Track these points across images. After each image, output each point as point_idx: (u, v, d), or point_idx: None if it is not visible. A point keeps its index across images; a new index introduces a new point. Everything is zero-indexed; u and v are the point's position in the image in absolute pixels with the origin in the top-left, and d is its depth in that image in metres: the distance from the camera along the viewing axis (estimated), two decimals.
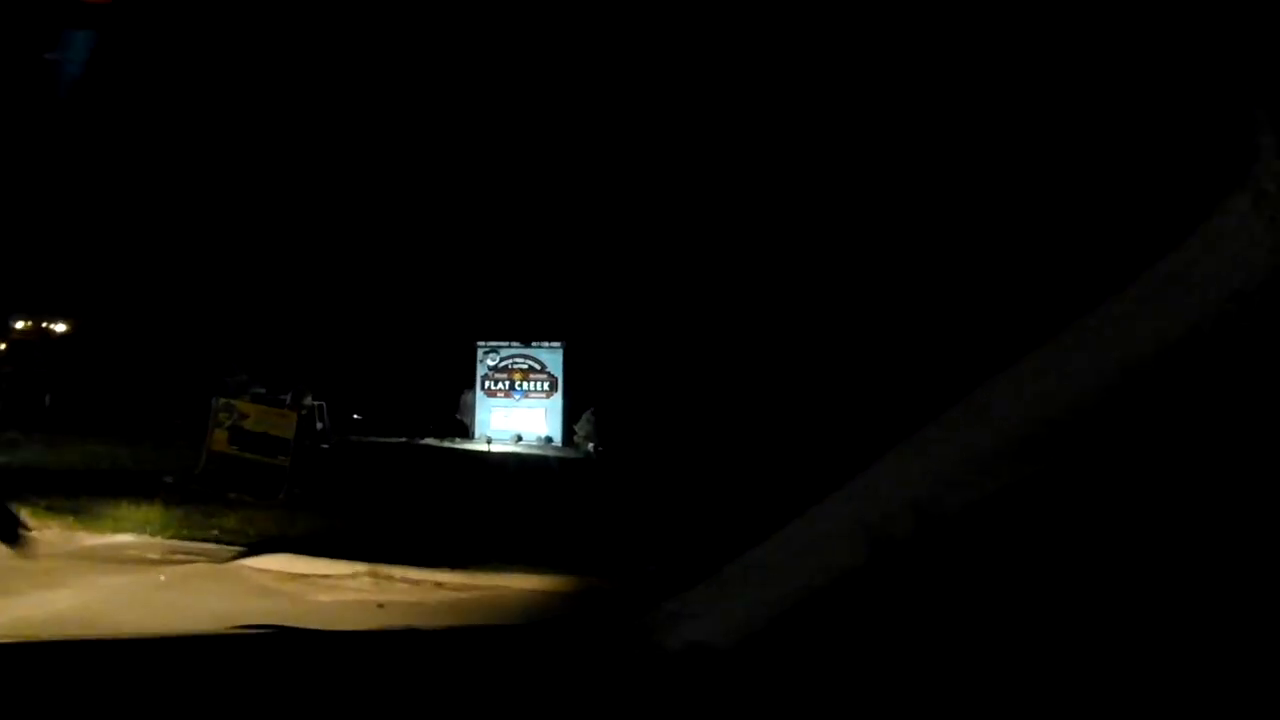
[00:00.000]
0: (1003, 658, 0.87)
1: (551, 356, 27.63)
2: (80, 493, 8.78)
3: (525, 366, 27.64)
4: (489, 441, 25.31)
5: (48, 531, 6.94)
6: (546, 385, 27.59)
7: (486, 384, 27.71)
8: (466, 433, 27.50)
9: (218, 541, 7.30)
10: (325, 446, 20.33)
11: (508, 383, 27.67)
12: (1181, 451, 0.81)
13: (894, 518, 0.89)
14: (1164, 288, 0.84)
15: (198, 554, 6.24)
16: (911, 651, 0.90)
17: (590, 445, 26.15)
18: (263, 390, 26.81)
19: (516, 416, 27.26)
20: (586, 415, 26.31)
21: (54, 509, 7.81)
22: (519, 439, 26.41)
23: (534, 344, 27.71)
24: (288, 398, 24.53)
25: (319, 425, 24.50)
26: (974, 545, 0.85)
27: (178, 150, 24.75)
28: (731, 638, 1.02)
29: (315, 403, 24.23)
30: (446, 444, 26.26)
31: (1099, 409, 0.83)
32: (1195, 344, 0.80)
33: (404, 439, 25.51)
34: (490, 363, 27.75)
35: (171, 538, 7.26)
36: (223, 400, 11.71)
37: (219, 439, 11.46)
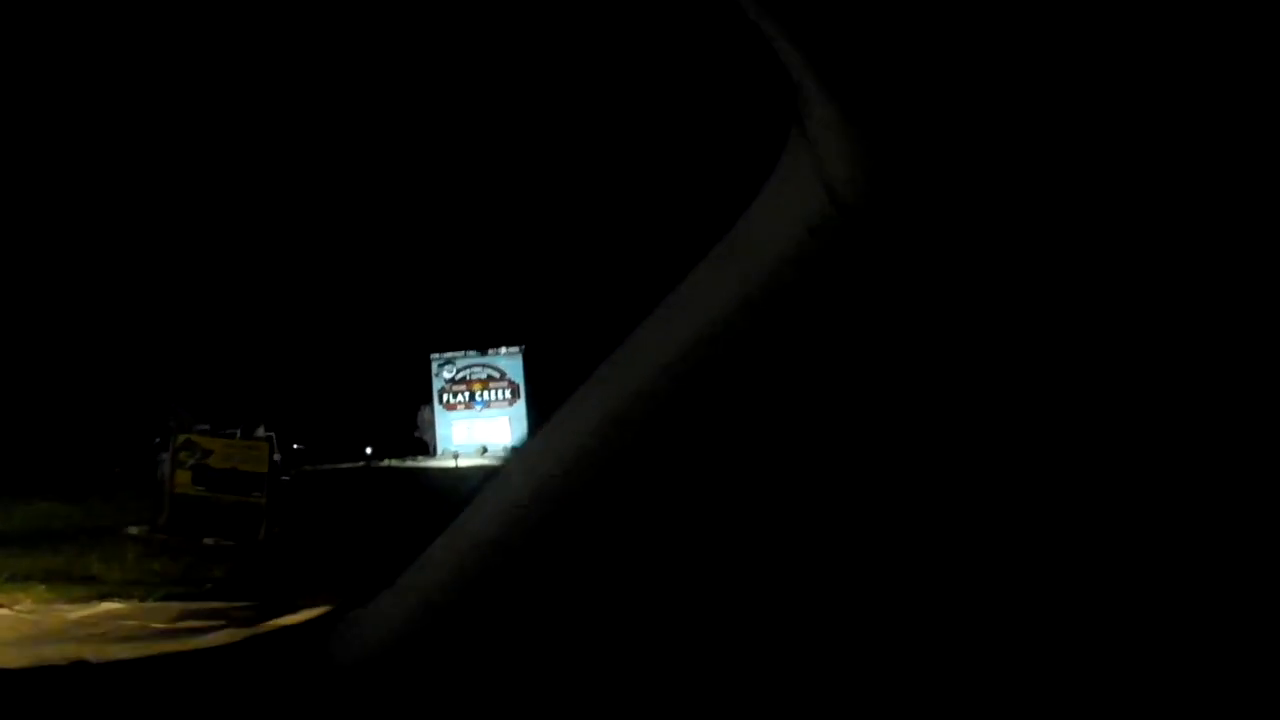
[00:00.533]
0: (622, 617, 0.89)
1: (511, 363, 26.70)
2: (42, 556, 7.82)
3: (484, 375, 26.67)
4: (456, 457, 24.33)
5: (19, 607, 6.03)
6: (509, 393, 26.67)
7: (445, 397, 26.64)
8: (428, 450, 26.41)
9: (218, 597, 6.49)
10: (286, 479, 19.32)
11: (467, 394, 26.66)
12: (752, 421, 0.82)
13: (522, 500, 0.93)
14: (724, 259, 0.81)
15: (211, 618, 5.42)
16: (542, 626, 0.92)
17: None
18: (206, 427, 25.41)
19: (480, 428, 26.26)
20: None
21: (18, 578, 6.87)
22: (484, 451, 25.44)
23: (491, 351, 26.75)
24: (237, 432, 23.27)
25: (275, 457, 23.27)
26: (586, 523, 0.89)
27: (90, 180, 23.25)
28: (391, 638, 1.01)
29: (267, 434, 23.00)
30: (410, 463, 25.19)
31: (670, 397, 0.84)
32: (751, 316, 0.78)
33: (361, 463, 24.46)
34: (447, 375, 26.70)
35: (165, 598, 6.41)
36: (182, 437, 10.71)
37: (182, 481, 10.48)
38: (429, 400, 26.81)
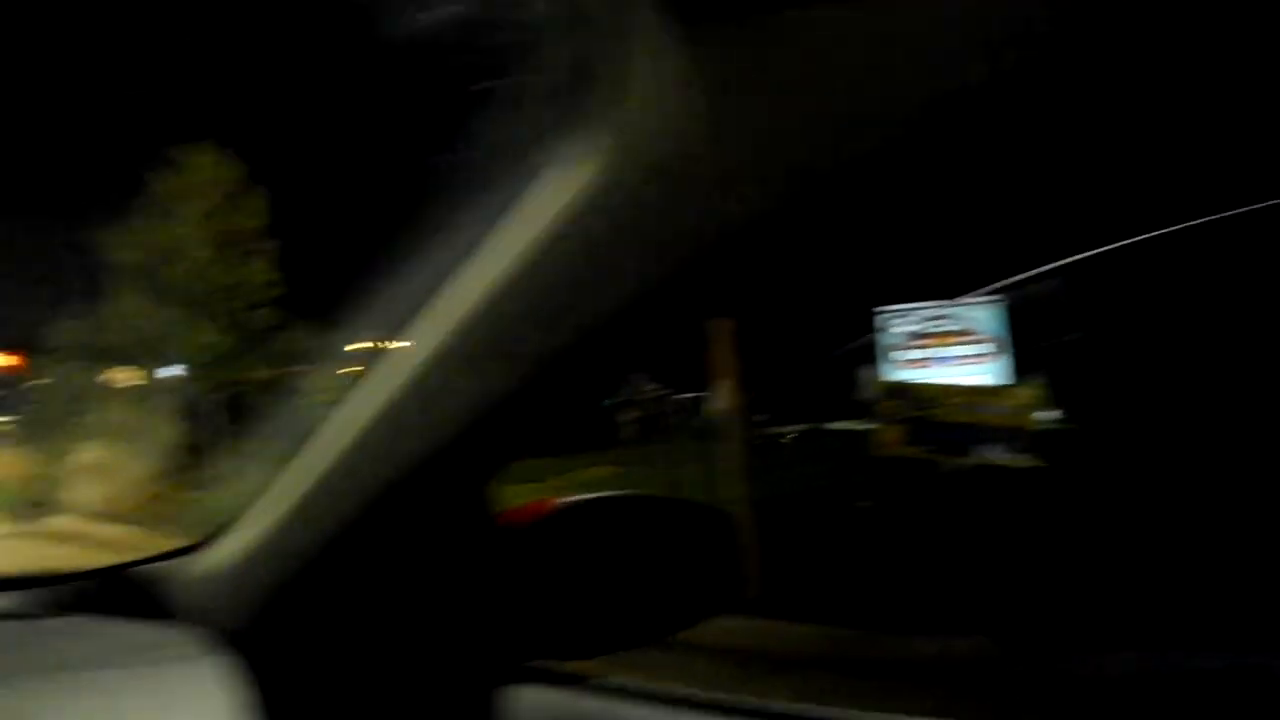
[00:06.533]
0: None
1: (986, 314, 22.61)
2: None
3: (955, 329, 22.93)
4: None
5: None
6: (983, 350, 22.67)
7: (899, 356, 23.28)
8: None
9: None
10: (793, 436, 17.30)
11: (929, 351, 23.06)
12: None
13: None
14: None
15: None
16: None
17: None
18: (653, 385, 24.11)
19: None
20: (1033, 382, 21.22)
21: None
22: None
23: (961, 300, 22.88)
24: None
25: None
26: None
27: None
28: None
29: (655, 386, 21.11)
30: (860, 427, 22.32)
31: None
32: None
33: (804, 425, 22.00)
34: (905, 328, 23.31)
35: None
36: (883, 381, 8.17)
37: (890, 438, 7.89)
38: (870, 360, 23.67)
